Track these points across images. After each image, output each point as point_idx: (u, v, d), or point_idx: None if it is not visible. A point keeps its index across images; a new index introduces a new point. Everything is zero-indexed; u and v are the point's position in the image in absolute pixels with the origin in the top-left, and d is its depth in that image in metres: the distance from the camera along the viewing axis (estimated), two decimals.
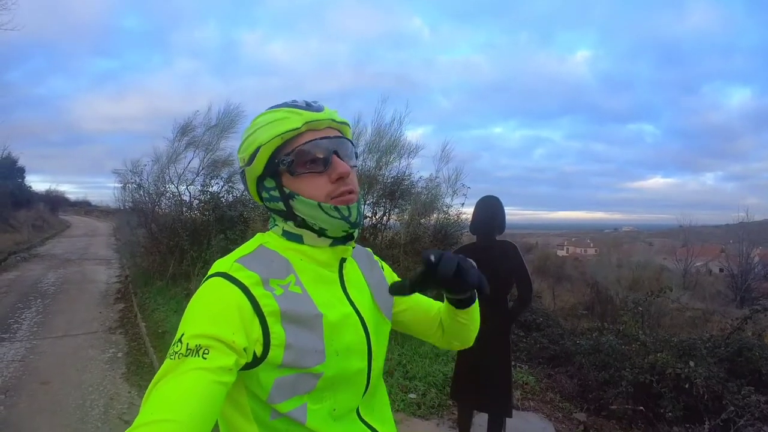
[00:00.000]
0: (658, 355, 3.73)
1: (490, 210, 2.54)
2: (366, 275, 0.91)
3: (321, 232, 0.80)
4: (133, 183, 8.93)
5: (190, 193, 8.36)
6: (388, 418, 0.89)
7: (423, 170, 9.08)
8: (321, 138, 0.78)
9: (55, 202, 31.56)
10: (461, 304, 0.90)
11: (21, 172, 23.93)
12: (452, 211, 6.61)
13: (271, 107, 0.82)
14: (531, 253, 23.42)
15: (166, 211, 8.67)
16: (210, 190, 8.20)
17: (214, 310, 0.68)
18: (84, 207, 41.17)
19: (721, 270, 23.81)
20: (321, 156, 0.77)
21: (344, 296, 0.82)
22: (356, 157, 0.84)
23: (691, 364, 3.57)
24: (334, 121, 0.80)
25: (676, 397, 3.45)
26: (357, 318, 0.82)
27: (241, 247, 0.81)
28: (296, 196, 0.78)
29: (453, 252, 0.77)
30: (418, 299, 1.00)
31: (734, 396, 3.37)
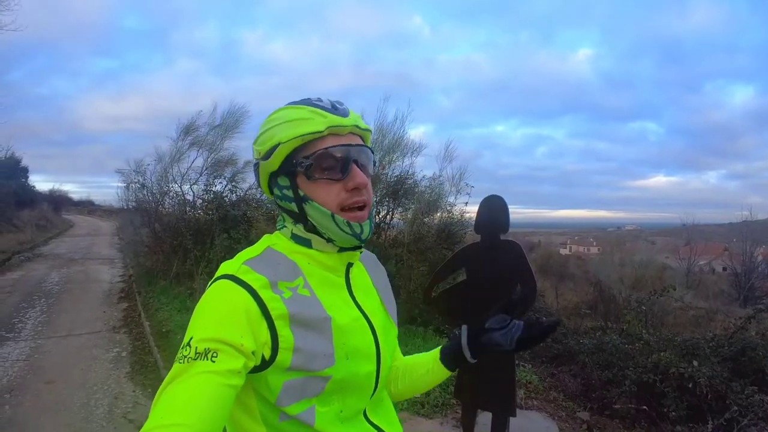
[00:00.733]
0: (662, 354, 3.73)
1: (494, 210, 2.54)
2: (374, 279, 0.91)
3: (330, 239, 0.79)
4: (136, 182, 8.97)
5: (193, 192, 8.39)
6: (394, 418, 0.90)
7: (426, 169, 9.04)
8: (343, 145, 0.76)
9: (58, 201, 31.61)
10: (457, 363, 0.93)
11: (24, 171, 24.00)
12: (456, 210, 6.59)
13: (294, 102, 0.80)
14: (534, 251, 23.39)
15: (170, 210, 8.70)
16: (213, 189, 8.21)
17: (222, 314, 0.68)
18: (87, 206, 41.19)
19: (724, 269, 23.71)
20: (340, 164, 0.75)
21: (351, 300, 0.82)
22: (375, 165, 0.82)
23: (695, 363, 3.56)
24: (357, 127, 0.78)
25: (680, 397, 3.44)
26: (365, 321, 0.82)
27: (248, 248, 0.80)
28: (310, 201, 0.77)
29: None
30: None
31: (737, 395, 3.36)
